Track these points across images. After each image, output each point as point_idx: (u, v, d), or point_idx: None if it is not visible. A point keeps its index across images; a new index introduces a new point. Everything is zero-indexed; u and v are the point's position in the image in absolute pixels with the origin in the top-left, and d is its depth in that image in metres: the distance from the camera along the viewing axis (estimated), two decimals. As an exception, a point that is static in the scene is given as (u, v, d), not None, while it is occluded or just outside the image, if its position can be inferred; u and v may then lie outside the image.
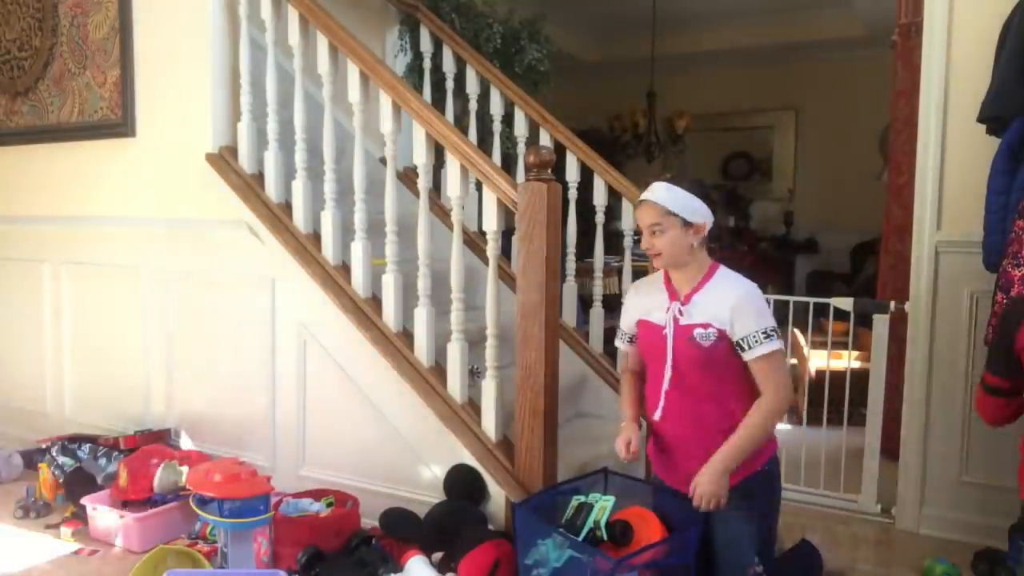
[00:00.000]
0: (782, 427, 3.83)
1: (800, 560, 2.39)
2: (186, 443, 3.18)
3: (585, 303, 3.60)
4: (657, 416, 1.89)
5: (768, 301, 3.01)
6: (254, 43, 3.00)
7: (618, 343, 2.09)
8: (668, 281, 1.91)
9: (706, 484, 1.75)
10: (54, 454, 3.04)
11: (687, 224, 1.82)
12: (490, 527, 2.43)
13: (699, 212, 1.83)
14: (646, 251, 1.87)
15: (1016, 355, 1.96)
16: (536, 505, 2.05)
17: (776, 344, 1.77)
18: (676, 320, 1.84)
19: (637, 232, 3.32)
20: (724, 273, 1.87)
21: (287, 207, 2.91)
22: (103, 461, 2.98)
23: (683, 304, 1.84)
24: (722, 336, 1.79)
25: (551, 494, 2.16)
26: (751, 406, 1.80)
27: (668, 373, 1.86)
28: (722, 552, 1.85)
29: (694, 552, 1.82)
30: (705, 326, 1.80)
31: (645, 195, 1.86)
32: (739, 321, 1.77)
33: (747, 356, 1.78)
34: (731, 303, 1.78)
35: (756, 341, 1.76)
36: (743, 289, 1.82)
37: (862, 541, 2.76)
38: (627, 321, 2.01)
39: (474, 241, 3.49)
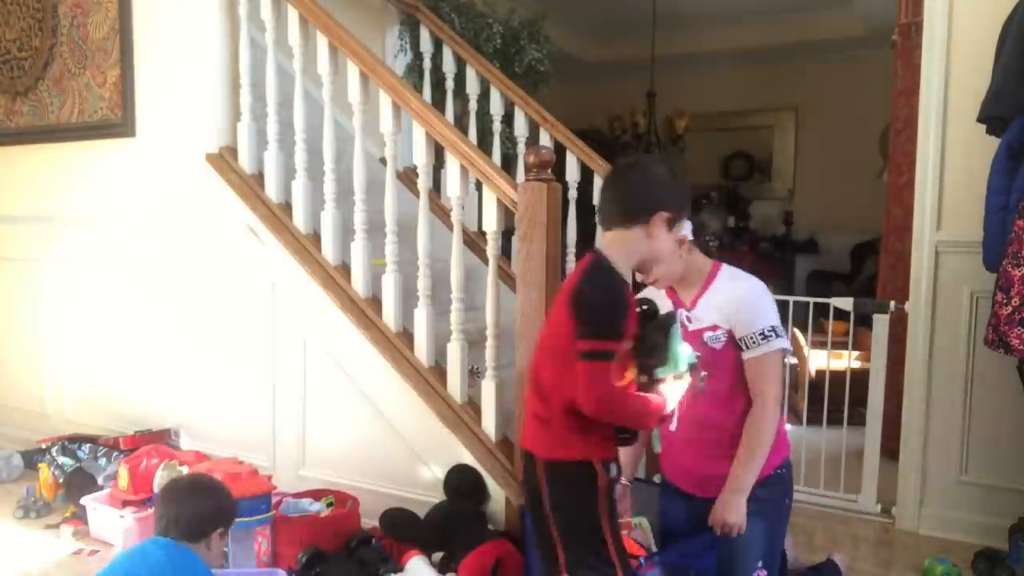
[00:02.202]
0: (782, 427, 3.84)
1: None
2: (186, 443, 3.18)
3: (585, 303, 3.59)
4: (673, 427, 1.82)
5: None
6: (254, 43, 3.00)
7: None
8: (671, 291, 1.84)
9: (723, 512, 1.71)
10: (54, 454, 3.04)
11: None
12: (490, 527, 2.43)
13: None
14: (643, 281, 1.74)
15: None
16: None
17: (775, 344, 1.71)
18: (684, 327, 1.76)
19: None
20: (727, 272, 1.81)
21: (287, 207, 2.91)
22: (103, 461, 2.98)
23: (689, 310, 1.79)
24: (730, 336, 1.74)
25: None
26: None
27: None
28: (726, 557, 1.81)
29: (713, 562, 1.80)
30: (713, 328, 1.75)
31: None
32: (740, 319, 1.73)
33: (746, 355, 1.74)
34: (736, 300, 1.74)
35: (753, 341, 1.71)
36: (746, 286, 1.77)
37: (862, 541, 2.76)
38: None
39: (474, 241, 3.49)
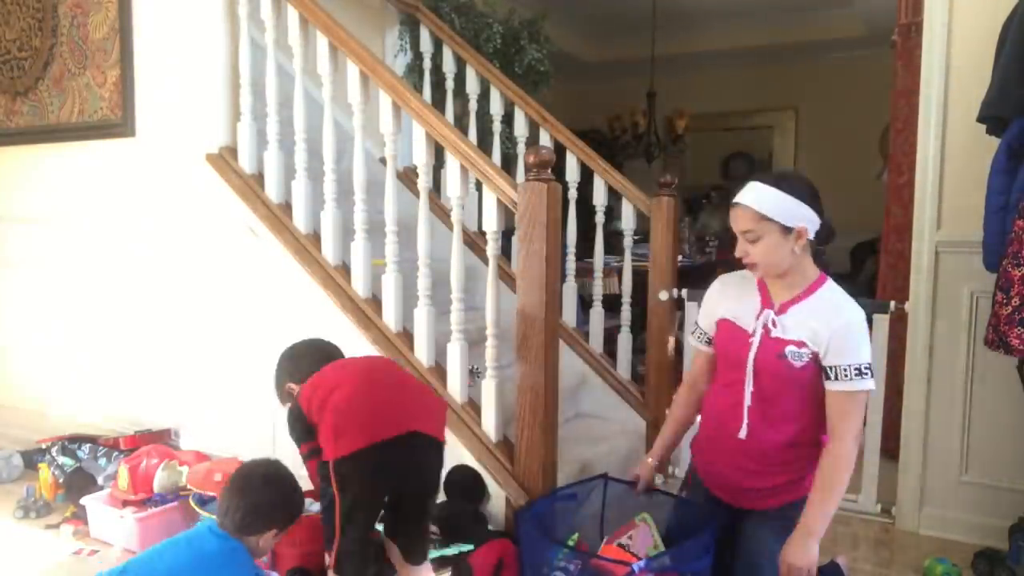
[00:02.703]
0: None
1: None
2: (186, 443, 3.18)
3: (585, 303, 3.60)
4: (743, 435, 1.71)
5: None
6: (254, 43, 3.00)
7: (692, 340, 1.89)
8: (763, 284, 1.72)
9: (794, 555, 1.62)
10: (54, 454, 3.04)
11: (786, 229, 1.61)
12: (490, 527, 2.43)
13: (800, 215, 1.61)
14: (740, 258, 1.67)
15: None
16: (537, 512, 2.04)
17: (868, 384, 1.61)
18: (767, 330, 1.66)
19: (637, 232, 3.37)
20: (831, 289, 1.69)
21: (287, 207, 2.91)
22: (103, 461, 2.98)
23: (778, 314, 1.66)
24: (815, 358, 1.62)
25: (550, 499, 2.16)
26: (819, 434, 1.68)
27: (749, 387, 1.68)
28: (742, 570, 1.76)
29: (711, 561, 1.75)
30: (800, 344, 1.63)
31: (737, 197, 1.66)
32: (837, 347, 1.60)
33: (832, 386, 1.62)
34: (835, 326, 1.61)
35: (847, 375, 1.59)
36: (852, 315, 1.63)
37: (862, 541, 2.76)
38: (708, 317, 1.82)
39: (474, 241, 3.49)
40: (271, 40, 2.90)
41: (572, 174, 3.40)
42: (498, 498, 2.46)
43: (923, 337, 2.75)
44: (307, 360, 2.06)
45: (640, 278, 3.30)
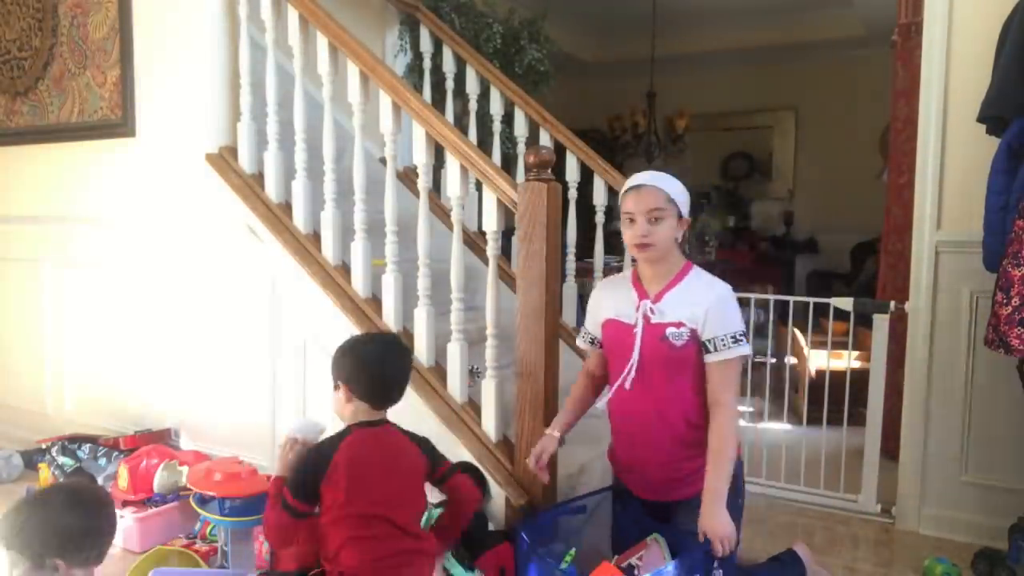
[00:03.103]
0: (782, 427, 3.84)
1: (776, 571, 2.26)
2: (186, 443, 3.18)
3: (585, 303, 3.59)
4: (648, 418, 1.84)
5: (768, 301, 2.96)
6: (254, 43, 2.99)
7: (580, 343, 2.06)
8: (637, 280, 1.87)
9: (713, 525, 1.71)
10: (54, 454, 3.04)
11: (680, 216, 1.79)
12: (491, 527, 2.43)
13: (688, 205, 1.81)
14: (638, 240, 1.77)
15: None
16: (536, 527, 2.02)
17: (744, 349, 1.75)
18: (647, 319, 1.80)
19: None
20: (699, 273, 1.84)
21: (287, 207, 2.91)
22: (103, 461, 2.98)
23: (654, 302, 1.80)
24: (694, 336, 1.76)
25: (550, 515, 2.15)
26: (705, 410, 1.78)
27: (631, 374, 1.81)
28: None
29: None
30: (678, 325, 1.76)
31: (643, 180, 1.80)
32: (712, 321, 1.74)
33: (711, 358, 1.75)
34: (708, 303, 1.75)
35: (724, 344, 1.73)
36: (722, 290, 1.79)
37: (862, 541, 2.76)
38: (593, 321, 1.98)
39: (474, 241, 3.49)
40: (271, 40, 2.90)
41: (572, 174, 3.40)
42: (498, 498, 2.46)
43: (923, 337, 2.75)
44: (356, 369, 1.93)
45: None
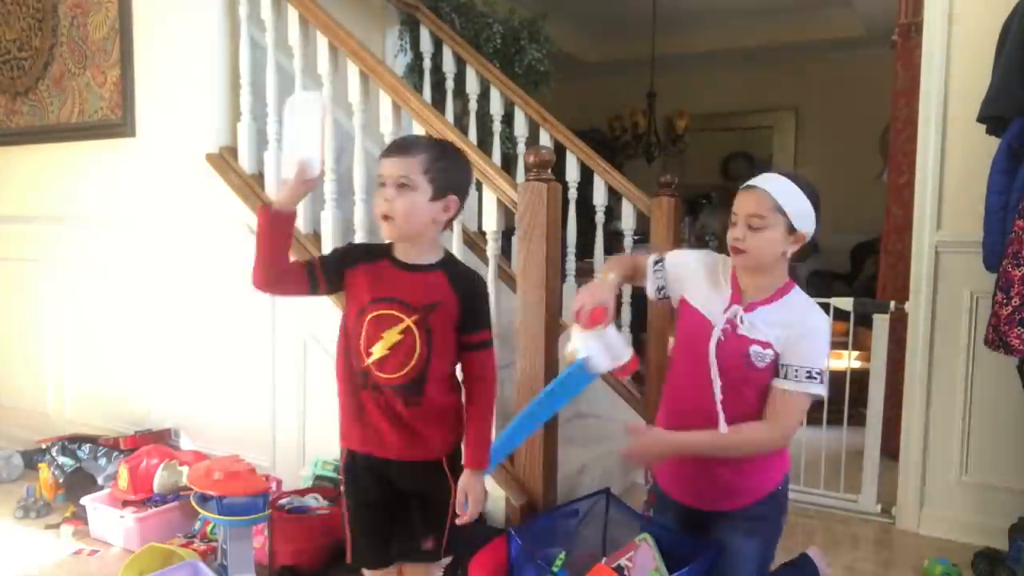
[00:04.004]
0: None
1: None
2: (186, 443, 3.18)
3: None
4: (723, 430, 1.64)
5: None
6: (254, 43, 3.00)
7: (649, 284, 1.75)
8: (735, 281, 1.65)
9: (643, 444, 1.63)
10: (54, 454, 3.04)
11: (791, 229, 1.56)
12: (490, 525, 2.43)
13: (808, 219, 1.57)
14: (733, 243, 1.59)
15: None
16: (532, 531, 2.02)
17: (817, 389, 1.56)
18: (733, 326, 1.60)
19: (637, 232, 3.36)
20: (800, 294, 1.65)
21: (287, 207, 2.91)
22: (103, 461, 2.98)
23: (746, 311, 1.60)
24: (776, 360, 1.58)
25: (548, 519, 2.14)
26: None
27: (718, 382, 1.61)
28: (717, 573, 1.73)
29: None
30: (765, 345, 1.57)
31: (756, 181, 1.60)
32: (798, 348, 1.56)
33: (779, 384, 1.58)
34: (801, 328, 1.57)
35: (796, 375, 1.56)
36: (820, 321, 1.61)
37: (862, 541, 2.76)
38: (676, 277, 1.72)
39: (474, 241, 3.49)
40: (271, 40, 2.90)
41: (572, 174, 3.40)
42: (498, 498, 2.46)
43: (923, 337, 2.75)
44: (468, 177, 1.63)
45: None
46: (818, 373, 1.56)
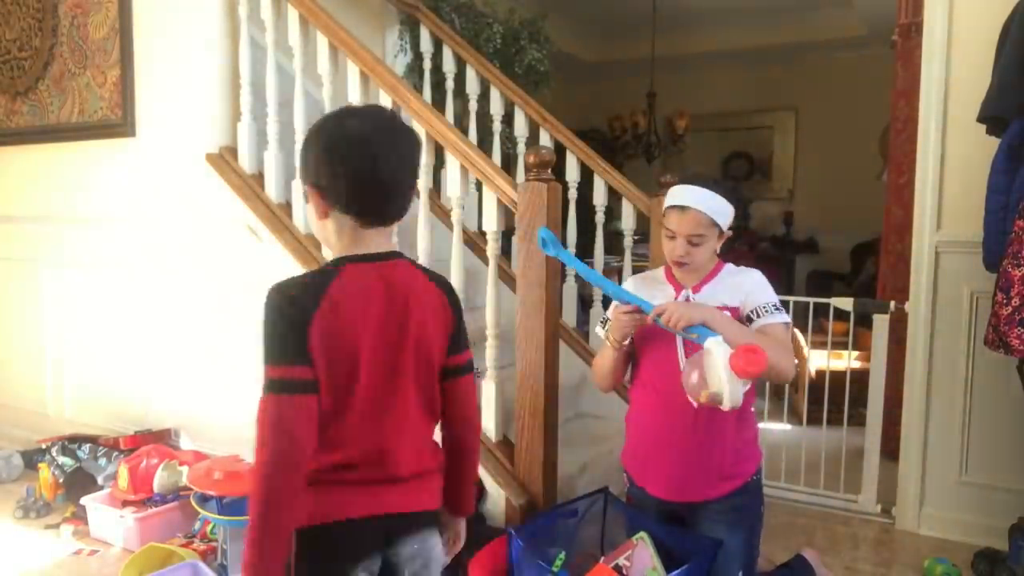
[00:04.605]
0: (783, 427, 3.85)
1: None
2: (186, 443, 3.18)
3: (585, 303, 3.60)
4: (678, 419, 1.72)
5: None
6: (254, 43, 3.00)
7: (600, 332, 1.83)
8: (671, 276, 1.80)
9: (686, 308, 1.61)
10: (54, 454, 3.04)
11: (721, 233, 1.74)
12: (490, 525, 2.43)
13: (731, 216, 1.74)
14: (675, 259, 1.73)
15: None
16: (531, 531, 2.01)
17: (786, 317, 1.72)
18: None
19: (637, 232, 3.36)
20: (732, 267, 1.81)
21: (287, 207, 2.91)
22: (103, 461, 2.98)
23: (693, 293, 1.75)
24: (737, 316, 1.70)
25: (547, 519, 2.14)
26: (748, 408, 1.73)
27: (683, 359, 1.70)
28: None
29: None
30: (721, 309, 1.68)
31: (688, 202, 1.70)
32: (753, 295, 1.72)
33: (758, 322, 1.69)
34: (747, 286, 1.74)
35: (766, 310, 1.69)
36: (757, 274, 1.78)
37: (862, 541, 2.76)
38: (621, 312, 1.76)
39: (474, 241, 3.49)
40: (271, 40, 2.90)
41: (572, 174, 3.40)
42: (498, 498, 2.46)
43: (923, 337, 2.76)
44: (329, 157, 1.28)
45: (636, 273, 3.30)
46: (780, 306, 1.74)
